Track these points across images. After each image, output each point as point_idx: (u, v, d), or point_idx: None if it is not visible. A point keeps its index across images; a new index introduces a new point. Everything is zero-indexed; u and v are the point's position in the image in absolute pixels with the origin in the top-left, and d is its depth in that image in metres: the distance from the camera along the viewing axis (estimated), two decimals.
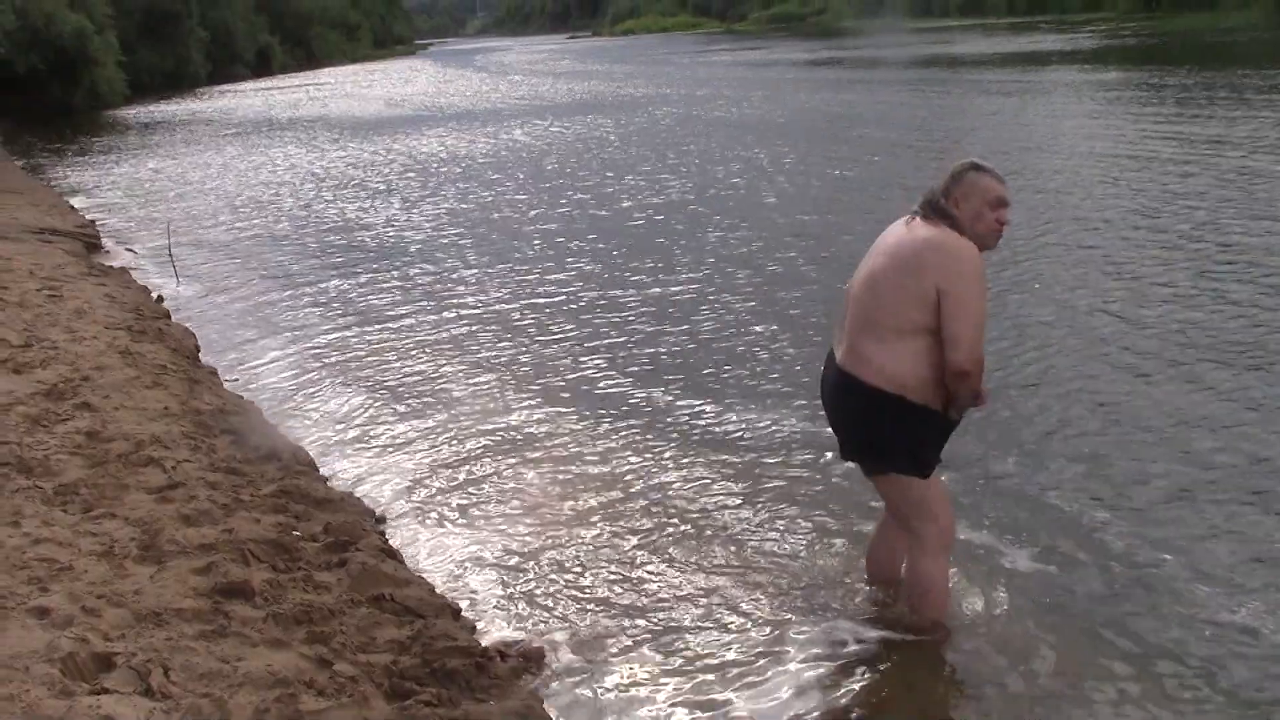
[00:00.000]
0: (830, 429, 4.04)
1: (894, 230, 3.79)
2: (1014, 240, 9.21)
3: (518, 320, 8.70)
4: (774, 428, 6.07)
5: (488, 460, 5.89)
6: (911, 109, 22.62)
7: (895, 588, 4.19)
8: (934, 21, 72.07)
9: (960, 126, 18.84)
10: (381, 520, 5.21)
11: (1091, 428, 5.79)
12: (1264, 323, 7.14)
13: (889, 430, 3.75)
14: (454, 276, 10.42)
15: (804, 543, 4.75)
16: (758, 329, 7.94)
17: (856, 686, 3.77)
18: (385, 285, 10.23)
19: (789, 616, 4.18)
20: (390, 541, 4.91)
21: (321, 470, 5.83)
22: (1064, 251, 9.37)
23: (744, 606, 4.27)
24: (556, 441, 6.11)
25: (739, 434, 6.06)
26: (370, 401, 6.97)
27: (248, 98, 45.67)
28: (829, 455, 5.44)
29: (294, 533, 4.65)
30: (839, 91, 28.34)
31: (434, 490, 5.54)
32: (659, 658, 3.97)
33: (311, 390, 7.31)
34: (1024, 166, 13.60)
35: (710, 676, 3.84)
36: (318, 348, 8.27)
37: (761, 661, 3.91)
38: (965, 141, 16.45)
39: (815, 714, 3.63)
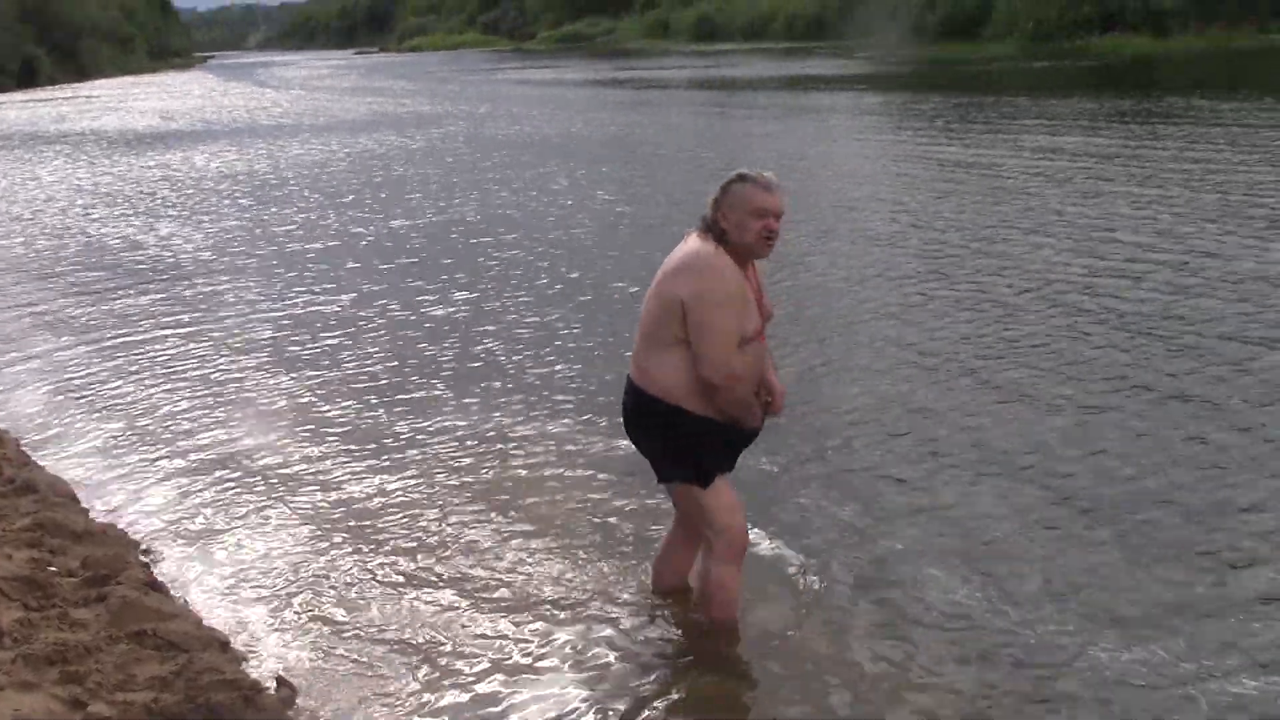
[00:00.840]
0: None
1: (677, 245, 3.89)
2: (787, 252, 9.56)
3: (289, 343, 8.49)
4: (552, 442, 6.10)
5: (257, 488, 5.71)
6: (691, 129, 23.16)
7: (681, 594, 4.28)
8: (717, 44, 73.86)
9: (737, 146, 19.37)
10: (147, 552, 5.01)
11: (885, 428, 6.09)
12: (1020, 319, 7.68)
13: (669, 439, 3.85)
14: (224, 299, 10.09)
15: (587, 554, 4.78)
16: (535, 345, 7.99)
17: (639, 686, 3.84)
18: (152, 308, 9.81)
19: (571, 627, 4.20)
20: (155, 574, 4.72)
21: (82, 502, 5.56)
22: (835, 260, 9.79)
23: (519, 621, 4.27)
24: (323, 466, 5.98)
25: (516, 449, 6.05)
26: (133, 430, 6.68)
27: (10, 110, 43.11)
28: (609, 470, 5.55)
29: (49, 568, 4.44)
30: (623, 112, 28.77)
31: (201, 520, 5.33)
32: (435, 677, 3.93)
33: (72, 419, 6.96)
34: (796, 186, 14.11)
35: (488, 690, 3.83)
36: (79, 375, 7.86)
37: (545, 675, 3.92)
38: (740, 160, 16.90)
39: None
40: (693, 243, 3.77)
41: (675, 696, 3.81)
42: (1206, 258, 9.26)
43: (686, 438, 3.82)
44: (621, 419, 4.04)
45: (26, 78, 63.58)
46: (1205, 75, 29.17)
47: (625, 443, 4.35)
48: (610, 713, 3.70)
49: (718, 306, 3.66)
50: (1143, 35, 44.28)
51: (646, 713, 3.71)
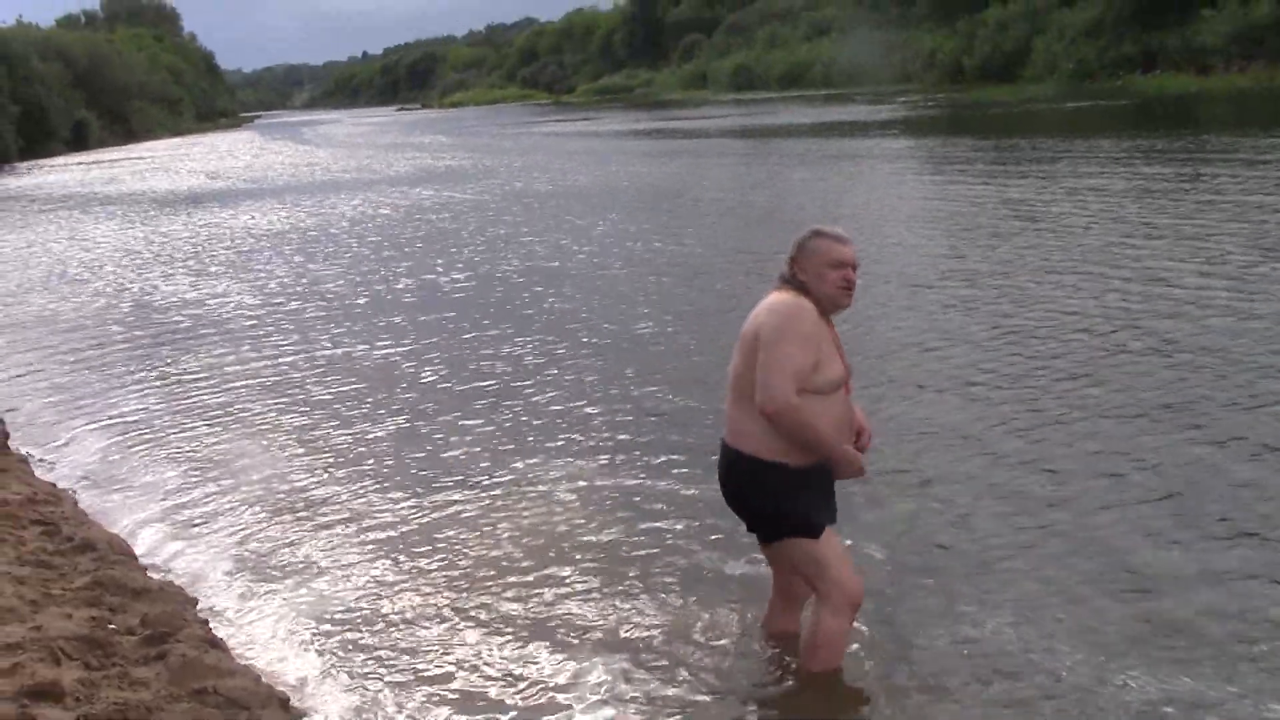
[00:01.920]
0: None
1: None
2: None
3: (344, 394, 8.54)
4: (631, 492, 6.06)
5: (313, 540, 5.72)
6: (736, 177, 23.20)
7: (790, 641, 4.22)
8: (755, 93, 74.36)
9: (776, 192, 19.38)
10: (205, 609, 5.01)
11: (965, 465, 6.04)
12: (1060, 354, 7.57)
13: (767, 494, 3.84)
14: (273, 353, 10.16)
15: (677, 608, 4.70)
16: (599, 394, 7.96)
17: None
18: (205, 363, 9.89)
19: (661, 668, 4.15)
20: (214, 630, 4.72)
21: (140, 559, 5.59)
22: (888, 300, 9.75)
23: (606, 662, 4.23)
24: (378, 514, 5.99)
25: (596, 496, 6.04)
26: (191, 485, 6.71)
27: (63, 173, 44.02)
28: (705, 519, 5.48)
29: (109, 626, 4.45)
30: (662, 162, 28.94)
31: (259, 576, 5.34)
32: None
33: (129, 476, 7.01)
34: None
35: None
36: (137, 431, 7.93)
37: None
38: (786, 207, 16.96)
39: None
40: (773, 295, 3.86)
41: None
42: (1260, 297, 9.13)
43: (785, 488, 3.81)
44: (720, 484, 4.04)
45: (77, 141, 65.01)
46: (1247, 113, 28.97)
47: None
48: None
49: (787, 341, 3.70)
50: (1185, 74, 44.13)
51: None
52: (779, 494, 3.82)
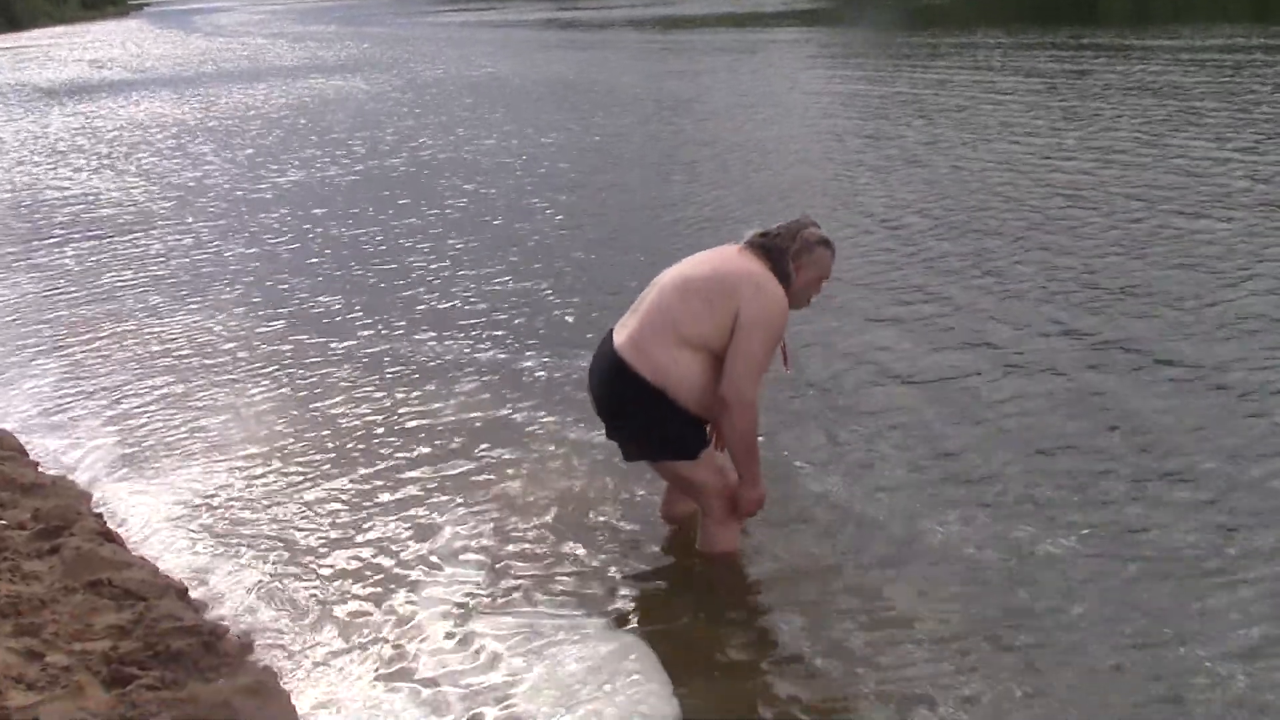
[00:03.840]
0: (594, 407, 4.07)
1: (724, 252, 3.92)
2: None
3: (224, 288, 8.43)
4: (524, 373, 6.10)
5: (210, 432, 5.64)
6: (647, 71, 22.83)
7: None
8: None
9: (693, 86, 19.15)
10: (99, 503, 4.92)
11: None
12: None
13: (654, 422, 3.84)
14: (157, 248, 9.93)
15: (562, 484, 4.74)
16: (498, 286, 7.91)
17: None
18: (102, 259, 9.60)
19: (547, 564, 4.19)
20: (110, 525, 4.65)
21: (30, 454, 5.46)
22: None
23: (498, 563, 4.23)
24: (268, 403, 5.98)
25: (486, 381, 6.06)
26: (78, 381, 6.57)
27: None
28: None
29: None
30: (567, 53, 28.42)
31: (160, 470, 5.25)
32: (407, 613, 3.90)
33: (13, 373, 6.82)
34: (753, 123, 14.05)
35: (458, 631, 3.80)
36: (19, 326, 7.73)
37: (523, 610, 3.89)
38: (700, 100, 16.80)
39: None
40: (759, 267, 3.81)
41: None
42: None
43: (675, 422, 3.83)
44: (591, 387, 4.03)
45: None
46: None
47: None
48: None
49: (767, 339, 3.73)
50: None
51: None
52: (665, 424, 3.83)
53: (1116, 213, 8.48)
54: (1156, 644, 3.47)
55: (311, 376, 6.37)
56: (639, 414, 3.85)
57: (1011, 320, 6.47)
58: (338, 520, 4.62)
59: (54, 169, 14.91)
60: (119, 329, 7.51)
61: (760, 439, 3.91)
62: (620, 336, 3.88)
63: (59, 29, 69.82)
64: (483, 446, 5.25)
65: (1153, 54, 18.03)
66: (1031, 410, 5.24)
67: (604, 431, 4.09)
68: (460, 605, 3.93)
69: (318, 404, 5.92)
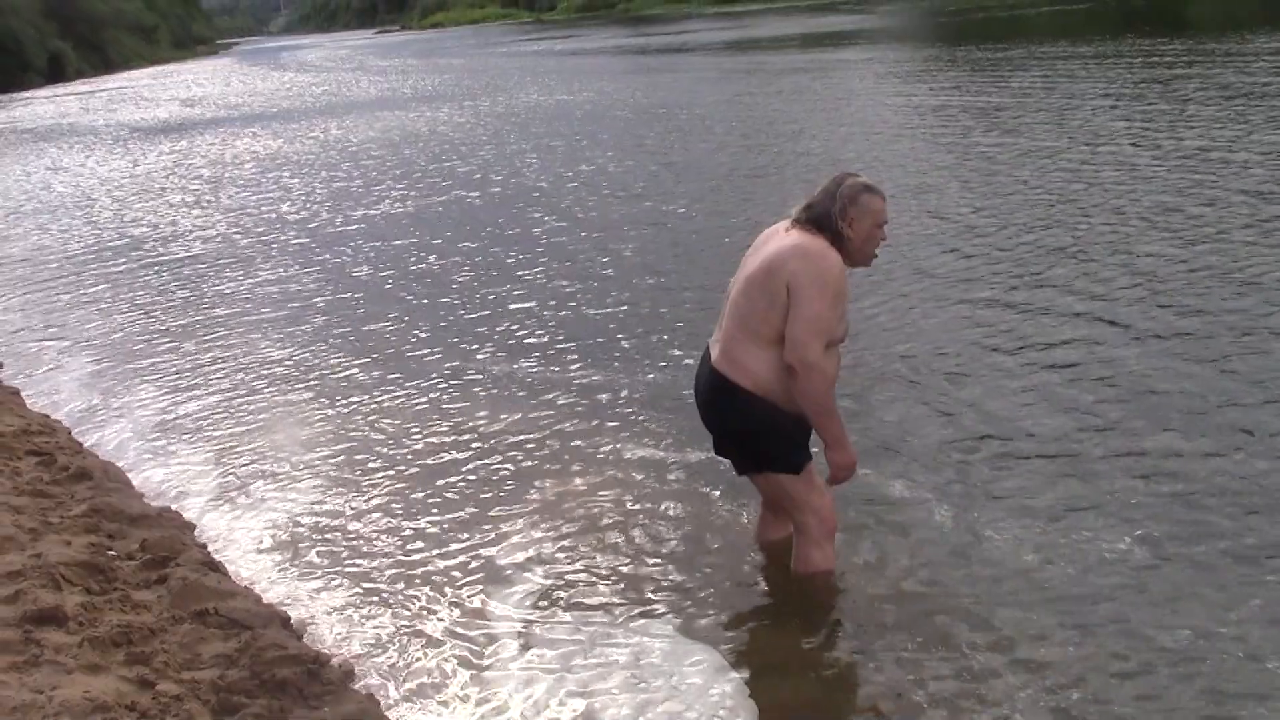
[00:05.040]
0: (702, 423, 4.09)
1: (772, 234, 3.90)
2: None
3: (325, 317, 8.59)
4: (628, 405, 6.10)
5: (303, 459, 5.75)
6: (721, 94, 22.88)
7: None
8: (735, 6, 73.29)
9: (770, 107, 19.15)
10: (203, 533, 5.03)
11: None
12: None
13: (759, 433, 3.85)
14: (256, 278, 10.17)
15: (675, 522, 4.72)
16: (594, 313, 7.95)
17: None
18: (194, 293, 9.87)
19: (651, 596, 4.20)
20: (213, 553, 4.75)
21: (136, 485, 5.61)
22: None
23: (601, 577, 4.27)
24: (381, 435, 6.03)
25: (572, 405, 6.11)
26: (184, 412, 6.72)
27: (41, 106, 43.48)
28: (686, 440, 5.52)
29: (109, 552, 4.47)
30: (647, 77, 28.57)
31: (258, 498, 5.36)
32: (513, 648, 3.91)
33: (121, 406, 7.00)
34: (836, 142, 13.99)
35: (556, 655, 3.83)
36: (129, 360, 7.93)
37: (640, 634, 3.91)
38: (777, 124, 16.78)
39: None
40: (802, 236, 3.75)
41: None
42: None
43: (779, 431, 3.83)
44: (698, 405, 4.05)
45: (54, 73, 64.00)
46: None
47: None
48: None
49: (821, 296, 3.66)
50: None
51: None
52: (764, 427, 3.83)
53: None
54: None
55: (398, 402, 6.48)
56: (742, 424, 3.87)
57: (1130, 321, 6.49)
58: (430, 545, 4.69)
59: (151, 206, 15.32)
60: (214, 361, 7.68)
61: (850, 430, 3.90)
62: (715, 351, 3.92)
63: (152, 69, 72.14)
64: (575, 468, 5.31)
65: (1244, 59, 17.64)
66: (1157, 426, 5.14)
67: (711, 446, 4.14)
68: (563, 628, 3.96)
69: (407, 431, 6.00)
